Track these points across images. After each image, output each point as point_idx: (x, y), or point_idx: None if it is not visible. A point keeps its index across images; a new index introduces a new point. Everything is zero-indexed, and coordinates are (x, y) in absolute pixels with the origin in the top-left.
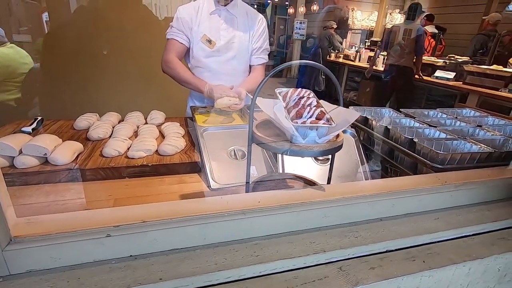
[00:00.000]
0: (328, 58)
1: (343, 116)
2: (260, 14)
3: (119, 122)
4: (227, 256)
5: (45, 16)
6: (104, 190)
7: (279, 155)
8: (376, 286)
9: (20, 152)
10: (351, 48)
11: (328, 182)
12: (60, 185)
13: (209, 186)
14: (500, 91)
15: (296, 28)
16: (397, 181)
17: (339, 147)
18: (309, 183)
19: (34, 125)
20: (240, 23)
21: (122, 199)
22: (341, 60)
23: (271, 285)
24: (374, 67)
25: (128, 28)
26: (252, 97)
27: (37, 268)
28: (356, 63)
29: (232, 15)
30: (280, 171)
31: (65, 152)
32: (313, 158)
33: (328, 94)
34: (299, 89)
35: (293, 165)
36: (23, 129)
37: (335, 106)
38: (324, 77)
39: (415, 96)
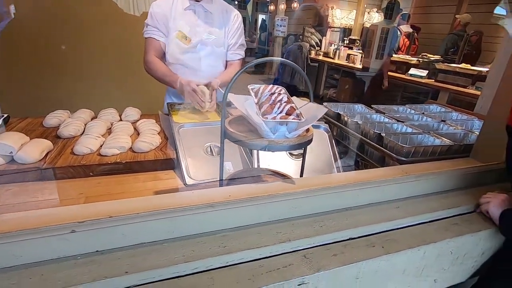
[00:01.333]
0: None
1: (313, 111)
2: (236, 10)
3: (92, 120)
4: (195, 248)
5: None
6: (75, 189)
7: (255, 151)
8: (337, 271)
9: None
10: (331, 45)
11: (301, 175)
12: (28, 185)
13: (184, 183)
14: (468, 88)
15: (277, 25)
16: (363, 173)
17: (308, 141)
18: (283, 177)
19: None
20: (215, 19)
21: (94, 197)
22: (321, 57)
23: (237, 274)
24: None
25: (101, 22)
26: (222, 91)
27: None
28: (336, 60)
29: (207, 11)
30: (256, 166)
31: (32, 150)
32: (287, 153)
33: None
34: (271, 85)
35: (269, 160)
36: None
37: (306, 102)
38: (306, 73)
39: (391, 93)
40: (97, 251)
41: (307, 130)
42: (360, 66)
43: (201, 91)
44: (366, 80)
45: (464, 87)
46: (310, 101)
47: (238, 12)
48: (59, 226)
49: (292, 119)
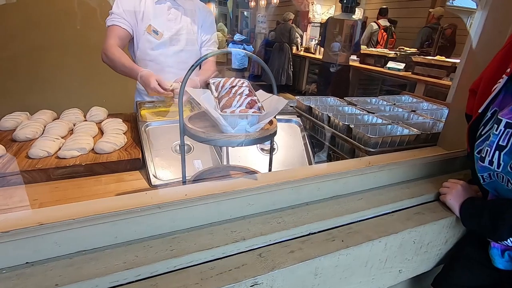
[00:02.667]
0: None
1: (274, 104)
2: (207, 6)
3: (53, 121)
4: (139, 253)
5: None
6: (30, 195)
7: (224, 148)
8: (294, 269)
9: None
10: (311, 41)
11: (269, 170)
12: None
13: (150, 183)
14: (443, 80)
15: (258, 21)
16: (325, 166)
17: (271, 135)
18: (252, 173)
19: None
20: (187, 14)
21: (49, 203)
22: (302, 53)
23: (185, 278)
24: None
25: (63, 19)
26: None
27: None
28: (316, 55)
29: (179, 6)
30: (225, 163)
31: None
32: (258, 148)
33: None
34: (232, 78)
35: (239, 156)
36: None
37: (270, 95)
38: (293, 70)
39: (370, 86)
40: (26, 262)
41: (271, 123)
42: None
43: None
44: (344, 73)
45: (440, 78)
46: (273, 94)
47: (210, 9)
48: None
49: (253, 112)
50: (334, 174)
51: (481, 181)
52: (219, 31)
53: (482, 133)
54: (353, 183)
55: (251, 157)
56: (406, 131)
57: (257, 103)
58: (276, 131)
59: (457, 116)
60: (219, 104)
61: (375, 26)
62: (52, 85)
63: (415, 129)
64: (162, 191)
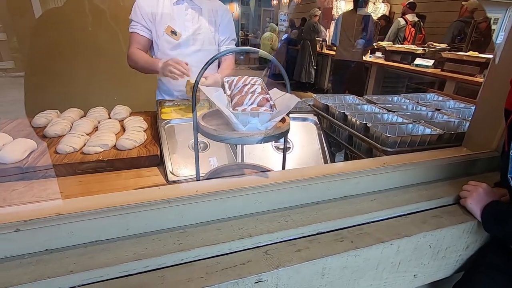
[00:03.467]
0: (320, 50)
1: (286, 102)
2: (224, 5)
3: (80, 118)
4: (148, 246)
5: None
6: (55, 188)
7: (239, 145)
8: (299, 268)
9: None
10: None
11: (283, 168)
12: (9, 185)
13: (167, 179)
14: (476, 77)
15: (281, 20)
16: (337, 165)
17: (283, 133)
18: (265, 171)
19: None
20: (204, 14)
21: (74, 196)
22: (325, 51)
23: (190, 271)
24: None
25: (92, 22)
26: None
27: None
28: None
29: (196, 6)
30: (240, 160)
31: (13, 150)
32: (273, 146)
33: (318, 85)
34: (246, 76)
35: (254, 154)
36: None
37: (283, 93)
38: (315, 68)
39: (395, 84)
40: (46, 250)
41: (283, 121)
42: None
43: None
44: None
45: (472, 75)
46: (287, 92)
47: (227, 7)
48: (1, 225)
49: (264, 110)
50: (345, 174)
51: None
52: (271, 32)
53: None
54: (365, 183)
55: (266, 155)
56: (428, 131)
57: (269, 101)
58: (288, 129)
59: (485, 114)
60: (231, 102)
61: (402, 22)
62: (80, 84)
63: (438, 129)
64: (174, 187)
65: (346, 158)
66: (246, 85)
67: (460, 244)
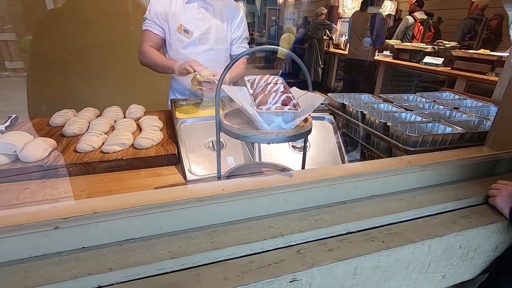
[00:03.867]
0: (326, 48)
1: (310, 101)
2: (236, 3)
3: (96, 118)
4: (182, 244)
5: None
6: (77, 186)
7: (256, 144)
8: (333, 267)
9: None
10: (341, 36)
11: (302, 167)
12: (31, 183)
13: (185, 178)
14: (487, 75)
15: (287, 18)
16: (363, 164)
17: (306, 132)
18: (284, 170)
19: (7, 123)
20: (216, 12)
21: (95, 194)
22: (331, 49)
23: (225, 270)
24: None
25: (104, 21)
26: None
27: None
28: (347, 52)
29: (208, 4)
30: (257, 160)
31: (35, 149)
32: (290, 145)
33: (325, 84)
34: (267, 75)
35: (271, 153)
36: None
37: (305, 91)
38: (322, 67)
39: (404, 83)
40: (83, 247)
41: (305, 120)
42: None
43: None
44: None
45: (483, 73)
46: (308, 91)
47: (239, 5)
48: (42, 223)
49: (288, 109)
50: (372, 173)
51: None
52: (288, 32)
53: None
54: (392, 183)
55: (282, 154)
56: (449, 130)
57: (292, 100)
58: (311, 128)
59: (509, 112)
60: (254, 101)
61: (410, 20)
62: (94, 84)
63: (459, 128)
64: (200, 185)
65: (364, 157)
66: (269, 84)
67: (489, 245)
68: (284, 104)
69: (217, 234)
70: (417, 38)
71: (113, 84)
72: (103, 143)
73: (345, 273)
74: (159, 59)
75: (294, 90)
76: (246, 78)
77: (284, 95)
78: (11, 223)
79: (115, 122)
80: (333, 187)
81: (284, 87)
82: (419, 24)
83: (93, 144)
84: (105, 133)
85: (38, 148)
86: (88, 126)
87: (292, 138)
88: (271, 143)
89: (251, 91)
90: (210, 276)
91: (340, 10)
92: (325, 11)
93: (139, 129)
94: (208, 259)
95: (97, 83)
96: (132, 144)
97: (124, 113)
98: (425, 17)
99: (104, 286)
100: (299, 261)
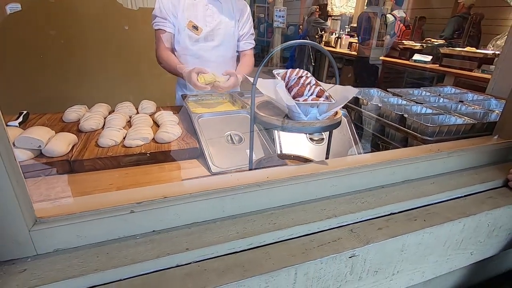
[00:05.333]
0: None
1: (341, 93)
2: (243, 0)
3: (109, 113)
4: (247, 226)
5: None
6: (104, 180)
7: (276, 138)
8: (384, 243)
9: (12, 145)
10: (331, 34)
11: (327, 157)
12: (59, 177)
13: (209, 170)
14: (474, 72)
15: (276, 16)
16: (395, 152)
17: (338, 123)
18: (308, 161)
19: (20, 119)
20: (224, 9)
21: (124, 187)
22: (322, 46)
23: (290, 248)
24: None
25: (103, 18)
26: (251, 79)
27: (64, 247)
28: (337, 49)
29: (217, 1)
30: (279, 152)
31: (60, 143)
32: (308, 138)
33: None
34: (297, 69)
35: (290, 146)
36: (9, 123)
37: (332, 84)
38: (314, 64)
39: (394, 80)
40: (153, 231)
41: (336, 112)
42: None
43: (204, 81)
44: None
45: (470, 70)
46: (336, 83)
47: (246, 3)
48: (119, 207)
49: (323, 101)
50: (407, 159)
51: None
52: None
53: None
54: (423, 168)
55: (300, 146)
56: (460, 121)
57: (324, 92)
58: (341, 119)
59: None
60: (290, 94)
61: (391, 18)
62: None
63: (468, 119)
64: (244, 174)
65: (378, 149)
66: (301, 77)
67: (511, 223)
68: (319, 96)
69: (275, 216)
70: (398, 36)
71: (112, 82)
72: (124, 138)
73: (394, 249)
74: (170, 62)
75: (321, 83)
76: (275, 72)
77: (318, 88)
78: (92, 208)
79: (130, 117)
80: (374, 172)
81: (315, 81)
82: (399, 22)
83: (115, 139)
84: (123, 128)
85: (62, 143)
86: (104, 122)
87: (327, 128)
88: (307, 133)
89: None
90: (278, 253)
91: (328, 8)
92: (314, 9)
93: (155, 124)
94: (272, 239)
95: (94, 81)
96: (153, 139)
97: (136, 108)
98: (404, 14)
99: (183, 265)
100: (355, 239)
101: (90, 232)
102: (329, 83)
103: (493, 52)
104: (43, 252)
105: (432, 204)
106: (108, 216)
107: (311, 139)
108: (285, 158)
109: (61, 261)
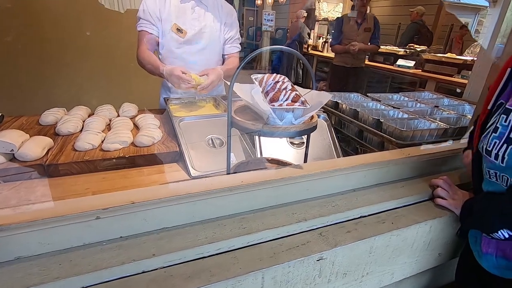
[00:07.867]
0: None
1: (316, 98)
2: (230, 4)
3: (89, 116)
4: (216, 230)
5: None
6: (81, 184)
7: (257, 141)
8: (353, 246)
9: None
10: (319, 39)
11: (305, 161)
12: (32, 182)
13: (189, 174)
14: (454, 77)
15: (265, 19)
16: (368, 156)
17: (314, 128)
18: (286, 165)
19: None
20: (210, 12)
21: (101, 192)
22: (310, 51)
23: (259, 252)
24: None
25: (86, 19)
26: (228, 82)
27: (26, 254)
28: (324, 53)
29: (202, 4)
30: (258, 155)
31: (33, 147)
32: (288, 142)
33: (305, 85)
34: (274, 74)
35: (270, 150)
36: None
37: (309, 90)
38: (302, 68)
39: (379, 84)
40: (120, 237)
41: (311, 117)
42: None
43: (187, 76)
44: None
45: (451, 75)
46: (312, 89)
47: (232, 7)
48: (84, 213)
49: (298, 106)
50: (378, 163)
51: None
52: None
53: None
54: (394, 171)
55: (280, 150)
56: (434, 125)
57: (300, 97)
58: (317, 124)
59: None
60: (266, 98)
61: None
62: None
63: (442, 123)
64: (219, 178)
65: (356, 152)
66: (278, 82)
67: None
68: (294, 101)
69: (246, 221)
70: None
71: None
72: (102, 142)
73: (363, 251)
74: (151, 61)
75: (297, 88)
76: (253, 76)
77: (294, 93)
78: (55, 214)
79: (110, 121)
80: (347, 176)
81: (291, 86)
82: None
83: (92, 142)
84: (102, 132)
85: (36, 147)
86: (83, 125)
87: (302, 133)
88: (282, 137)
89: (260, 89)
90: (246, 257)
91: (316, 13)
92: (305, 14)
93: (136, 127)
94: (241, 243)
95: (79, 82)
96: (132, 142)
97: (117, 111)
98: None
99: (149, 271)
100: (323, 242)
101: (54, 239)
102: (317, 87)
103: (472, 58)
104: (3, 260)
105: (401, 207)
106: (72, 222)
107: (291, 143)
108: (264, 162)
109: (22, 269)
